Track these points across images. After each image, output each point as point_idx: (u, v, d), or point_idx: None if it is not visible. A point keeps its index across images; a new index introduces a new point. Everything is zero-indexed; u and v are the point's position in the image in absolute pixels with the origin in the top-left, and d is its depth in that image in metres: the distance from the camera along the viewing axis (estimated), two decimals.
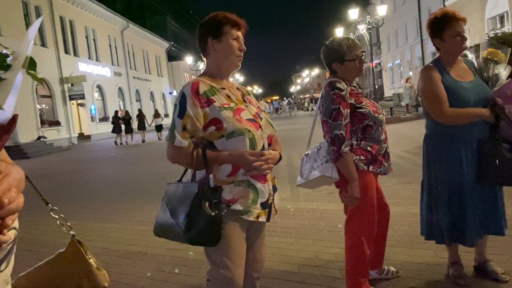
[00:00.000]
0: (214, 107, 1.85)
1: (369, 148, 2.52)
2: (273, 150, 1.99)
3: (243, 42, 1.98)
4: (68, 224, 1.07)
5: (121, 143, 21.13)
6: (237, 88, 2.07)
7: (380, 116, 2.56)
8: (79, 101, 26.29)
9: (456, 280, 2.79)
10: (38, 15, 22.10)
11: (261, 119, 1.98)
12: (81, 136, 26.35)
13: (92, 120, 27.51)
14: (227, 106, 1.88)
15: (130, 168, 11.47)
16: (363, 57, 2.59)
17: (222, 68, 1.98)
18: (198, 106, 1.83)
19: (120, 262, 3.91)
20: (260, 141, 1.91)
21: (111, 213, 6.04)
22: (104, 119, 29.15)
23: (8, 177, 0.71)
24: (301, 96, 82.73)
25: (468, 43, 2.74)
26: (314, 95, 72.06)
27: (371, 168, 2.51)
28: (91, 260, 1.07)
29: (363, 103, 2.52)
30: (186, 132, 1.84)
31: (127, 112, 23.61)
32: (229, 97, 1.93)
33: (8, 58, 0.78)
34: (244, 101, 2.01)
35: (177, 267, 3.59)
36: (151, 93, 39.92)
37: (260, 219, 1.91)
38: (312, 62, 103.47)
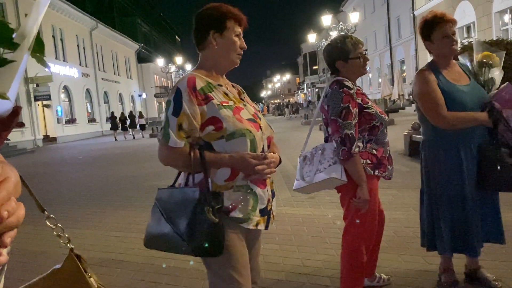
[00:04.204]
0: (212, 104, 1.68)
1: (374, 152, 2.43)
2: (272, 152, 1.85)
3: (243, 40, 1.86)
4: (66, 235, 0.91)
5: (124, 138, 24.70)
6: (232, 86, 1.93)
7: (386, 117, 2.47)
8: (45, 102, 25.39)
9: (449, 287, 2.74)
10: (1, 12, 21.19)
11: (260, 119, 1.83)
12: (47, 138, 25.40)
13: (58, 122, 26.58)
14: (226, 104, 1.72)
15: (100, 172, 11.07)
16: (366, 55, 2.52)
17: (221, 64, 1.83)
18: (195, 103, 1.67)
19: (94, 271, 3.64)
20: (260, 143, 1.76)
21: (82, 218, 5.73)
22: (71, 121, 28.25)
23: (6, 183, 0.55)
24: (271, 101, 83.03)
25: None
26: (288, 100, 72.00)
27: (377, 172, 2.42)
28: (91, 279, 0.91)
29: (369, 103, 2.44)
30: (182, 132, 1.66)
31: (122, 113, 27.45)
32: (227, 94, 1.78)
33: (14, 34, 0.62)
34: (242, 99, 1.87)
35: (156, 275, 3.40)
36: (120, 95, 39.04)
37: (259, 227, 1.76)
38: (283, 67, 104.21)
